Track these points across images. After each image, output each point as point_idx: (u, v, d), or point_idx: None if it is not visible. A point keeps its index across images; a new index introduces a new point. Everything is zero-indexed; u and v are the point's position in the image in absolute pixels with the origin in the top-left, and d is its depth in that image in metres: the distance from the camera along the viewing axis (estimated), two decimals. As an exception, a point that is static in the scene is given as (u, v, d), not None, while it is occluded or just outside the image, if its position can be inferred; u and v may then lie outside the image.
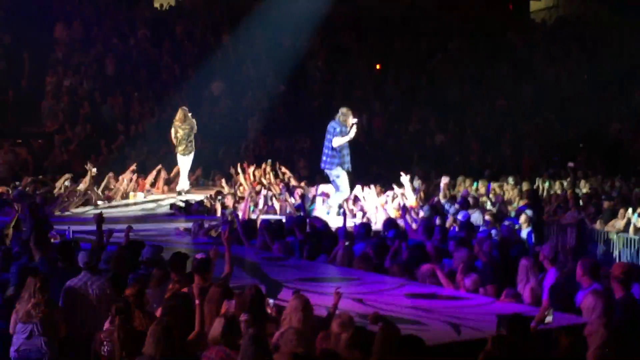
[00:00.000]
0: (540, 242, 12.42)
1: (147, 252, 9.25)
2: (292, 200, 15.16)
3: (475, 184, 17.94)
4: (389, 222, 12.55)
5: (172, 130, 17.49)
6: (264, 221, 12.54)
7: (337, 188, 14.70)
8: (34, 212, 11.03)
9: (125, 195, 16.95)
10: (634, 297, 7.29)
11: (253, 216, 13.66)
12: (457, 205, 14.23)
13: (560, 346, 6.50)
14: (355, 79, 25.86)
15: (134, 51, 25.08)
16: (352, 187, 15.06)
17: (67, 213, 14.94)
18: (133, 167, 17.66)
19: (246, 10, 27.74)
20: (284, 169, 17.85)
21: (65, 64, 23.68)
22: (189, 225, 13.43)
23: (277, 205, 15.15)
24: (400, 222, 12.76)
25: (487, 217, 13.09)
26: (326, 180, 15.97)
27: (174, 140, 17.48)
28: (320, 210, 14.63)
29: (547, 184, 18.10)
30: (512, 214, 14.30)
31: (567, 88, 26.77)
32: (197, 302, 7.23)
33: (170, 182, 18.12)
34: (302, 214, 14.17)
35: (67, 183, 16.17)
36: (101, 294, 8.17)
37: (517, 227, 12.94)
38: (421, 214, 13.79)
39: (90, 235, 11.93)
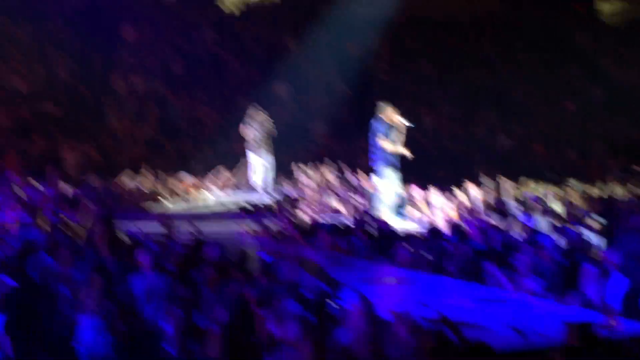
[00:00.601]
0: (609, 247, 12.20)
1: (213, 251, 9.33)
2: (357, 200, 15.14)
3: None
4: (452, 225, 12.48)
5: (248, 132, 17.87)
6: (327, 223, 12.58)
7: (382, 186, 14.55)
8: (103, 211, 11.23)
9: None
10: None
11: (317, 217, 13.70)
12: (523, 209, 14.08)
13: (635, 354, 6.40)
14: (420, 82, 25.74)
15: (200, 52, 25.32)
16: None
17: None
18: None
19: (311, 13, 27.86)
20: (344, 170, 17.74)
21: (133, 65, 24.02)
22: (256, 226, 13.54)
23: (341, 207, 15.14)
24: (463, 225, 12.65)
25: (553, 222, 12.90)
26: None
27: (251, 141, 17.84)
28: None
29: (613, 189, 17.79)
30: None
31: (637, 91, 26.27)
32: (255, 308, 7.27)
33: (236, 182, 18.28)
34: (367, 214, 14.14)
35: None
36: (166, 292, 8.27)
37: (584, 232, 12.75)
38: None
39: (158, 236, 12.14)
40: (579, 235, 12.30)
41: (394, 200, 14.53)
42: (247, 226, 13.86)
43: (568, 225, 13.08)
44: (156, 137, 21.58)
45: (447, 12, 29.40)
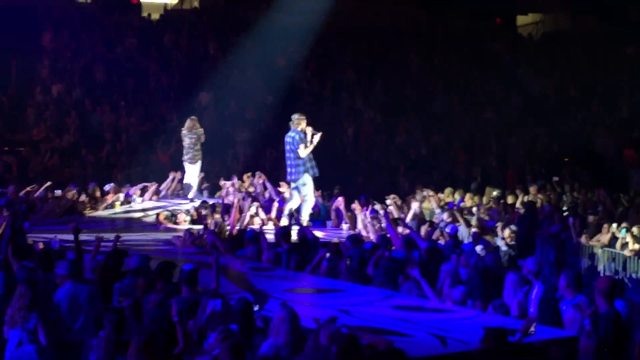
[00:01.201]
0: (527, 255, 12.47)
1: (134, 261, 9.24)
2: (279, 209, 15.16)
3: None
4: (375, 234, 12.61)
5: (185, 139, 17.81)
6: (251, 231, 12.55)
7: (300, 195, 14.66)
8: (13, 221, 11.05)
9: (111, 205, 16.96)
10: (618, 311, 7.35)
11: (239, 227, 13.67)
12: (445, 218, 14.28)
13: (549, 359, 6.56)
14: (343, 90, 25.93)
15: (122, 60, 25.09)
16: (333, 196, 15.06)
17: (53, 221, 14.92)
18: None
19: (234, 21, 27.88)
20: (263, 179, 17.71)
21: (53, 73, 23.66)
22: (179, 234, 13.45)
23: (263, 216, 15.13)
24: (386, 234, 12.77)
25: (473, 231, 13.13)
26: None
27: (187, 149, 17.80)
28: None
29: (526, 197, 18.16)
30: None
31: (554, 101, 26.94)
32: (175, 319, 7.22)
33: (159, 192, 18.13)
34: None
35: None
36: (90, 302, 8.17)
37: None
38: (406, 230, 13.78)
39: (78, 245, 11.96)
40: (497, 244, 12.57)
41: (310, 209, 14.63)
42: (171, 235, 13.78)
43: (487, 234, 13.35)
44: (77, 146, 21.26)
45: (370, 21, 29.72)
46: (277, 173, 21.01)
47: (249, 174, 18.15)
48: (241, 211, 14.45)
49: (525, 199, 17.45)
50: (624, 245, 13.94)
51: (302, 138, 14.32)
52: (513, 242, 12.99)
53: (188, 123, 17.84)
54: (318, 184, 15.66)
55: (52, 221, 14.88)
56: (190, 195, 17.66)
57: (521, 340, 7.19)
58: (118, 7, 27.55)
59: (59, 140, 21.31)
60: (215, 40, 26.73)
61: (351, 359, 6.13)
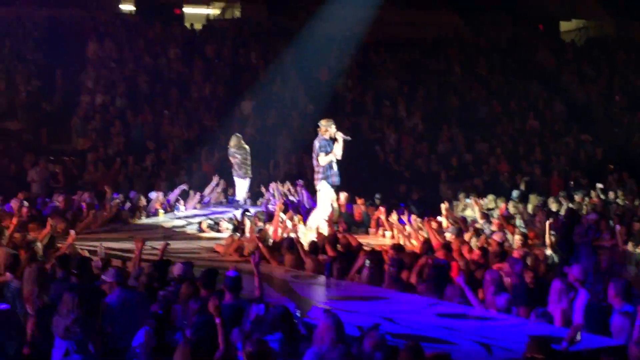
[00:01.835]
0: (573, 262, 12.33)
1: (178, 268, 9.30)
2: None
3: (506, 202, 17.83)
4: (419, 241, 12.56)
5: (230, 158, 18.51)
6: (292, 239, 12.58)
7: (316, 204, 14.67)
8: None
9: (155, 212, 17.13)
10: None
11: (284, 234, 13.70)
12: (491, 226, 14.18)
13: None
14: (385, 98, 25.89)
15: (165, 70, 25.33)
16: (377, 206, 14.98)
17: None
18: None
19: (276, 30, 28.03)
20: (303, 187, 17.75)
21: (97, 83, 23.94)
22: (221, 242, 13.54)
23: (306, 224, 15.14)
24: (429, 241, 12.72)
25: (517, 237, 13.02)
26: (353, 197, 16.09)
27: (235, 166, 18.46)
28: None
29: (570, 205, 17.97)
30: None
31: (598, 108, 26.66)
32: (217, 320, 7.23)
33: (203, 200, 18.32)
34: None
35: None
36: (142, 308, 8.23)
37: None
38: (448, 235, 13.73)
39: (121, 252, 12.10)
40: (543, 251, 12.44)
41: (319, 217, 14.52)
42: (213, 243, 13.86)
43: (533, 242, 13.23)
44: (121, 156, 21.47)
45: (413, 31, 29.73)
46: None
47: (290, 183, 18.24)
48: (285, 220, 14.48)
49: (569, 206, 17.27)
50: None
51: (324, 145, 14.24)
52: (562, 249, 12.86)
53: (234, 140, 18.43)
54: (360, 191, 15.66)
55: (97, 229, 15.05)
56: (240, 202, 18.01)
57: (567, 348, 7.11)
58: (161, 18, 27.86)
59: (104, 149, 21.53)
60: (257, 50, 26.89)
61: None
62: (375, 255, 11.30)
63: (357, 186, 18.14)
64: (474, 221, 15.43)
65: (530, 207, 17.83)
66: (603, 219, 15.50)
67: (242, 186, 18.44)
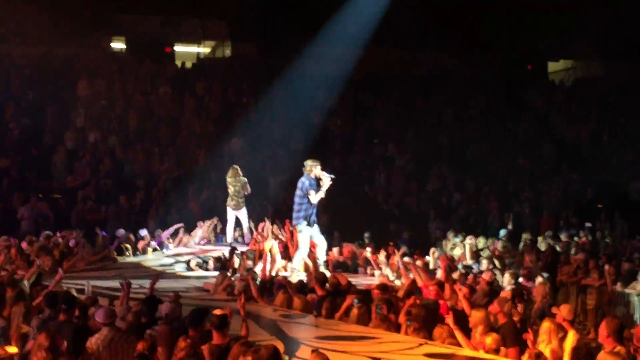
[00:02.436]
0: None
1: (166, 308, 9.24)
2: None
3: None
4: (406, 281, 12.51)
5: (229, 187, 18.41)
6: (282, 279, 12.54)
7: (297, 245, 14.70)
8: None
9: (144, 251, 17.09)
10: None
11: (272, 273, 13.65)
12: (482, 265, 14.16)
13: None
14: (374, 136, 25.98)
15: (155, 107, 25.38)
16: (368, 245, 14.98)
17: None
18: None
19: (265, 69, 28.17)
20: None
21: (88, 120, 23.96)
22: (210, 280, 13.47)
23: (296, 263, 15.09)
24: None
25: (507, 277, 12.99)
26: (345, 237, 16.06)
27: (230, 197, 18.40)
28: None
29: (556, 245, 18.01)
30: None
31: (587, 147, 26.78)
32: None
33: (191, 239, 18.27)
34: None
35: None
36: (127, 348, 8.16)
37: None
38: (439, 272, 13.72)
39: (109, 291, 12.02)
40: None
41: (299, 257, 14.52)
42: (202, 282, 13.79)
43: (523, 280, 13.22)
44: (111, 193, 21.42)
45: (403, 69, 29.93)
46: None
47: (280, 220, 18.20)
48: (274, 258, 14.43)
49: (558, 246, 17.29)
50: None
51: (312, 184, 14.33)
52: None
53: (231, 171, 18.44)
54: (349, 230, 15.66)
55: (85, 267, 14.98)
56: (228, 240, 18.01)
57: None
58: (152, 56, 28.00)
59: (93, 187, 21.48)
60: (247, 88, 27.00)
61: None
62: (364, 294, 11.27)
63: (346, 225, 18.15)
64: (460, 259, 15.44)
65: (521, 246, 17.84)
66: (591, 258, 15.52)
67: (232, 218, 18.38)
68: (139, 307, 9.54)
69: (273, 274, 13.72)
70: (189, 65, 29.03)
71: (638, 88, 28.33)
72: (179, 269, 15.68)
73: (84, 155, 22.63)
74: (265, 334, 9.49)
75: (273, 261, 14.19)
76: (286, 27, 30.08)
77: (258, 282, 12.87)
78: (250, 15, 31.08)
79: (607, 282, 14.38)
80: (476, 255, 15.69)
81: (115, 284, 12.02)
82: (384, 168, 24.42)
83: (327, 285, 11.92)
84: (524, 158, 25.90)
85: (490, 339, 8.86)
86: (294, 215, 14.60)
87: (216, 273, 14.37)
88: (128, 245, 16.93)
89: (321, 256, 14.72)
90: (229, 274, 14.02)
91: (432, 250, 16.09)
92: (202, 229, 18.50)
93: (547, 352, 8.81)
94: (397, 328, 10.01)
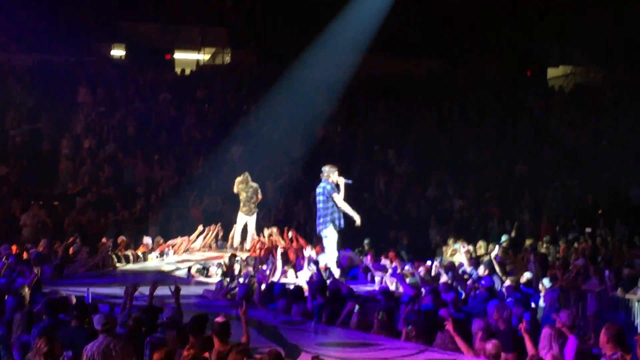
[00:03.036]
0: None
1: (167, 314, 9.24)
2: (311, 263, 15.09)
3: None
4: (408, 287, 12.52)
5: (235, 190, 18.66)
6: (282, 285, 12.55)
7: (323, 250, 14.73)
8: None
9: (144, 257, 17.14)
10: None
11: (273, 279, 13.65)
12: (480, 271, 14.16)
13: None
14: (374, 143, 25.98)
15: (155, 114, 25.41)
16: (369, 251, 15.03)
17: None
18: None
19: (265, 75, 28.20)
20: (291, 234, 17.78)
21: (87, 127, 23.99)
22: (210, 287, 13.48)
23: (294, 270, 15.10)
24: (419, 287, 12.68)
25: (507, 284, 13.00)
26: (346, 244, 16.09)
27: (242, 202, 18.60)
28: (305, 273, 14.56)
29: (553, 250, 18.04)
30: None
31: (587, 153, 26.78)
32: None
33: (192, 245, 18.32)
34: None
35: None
36: (126, 355, 8.16)
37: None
38: (444, 277, 13.73)
39: (109, 298, 12.02)
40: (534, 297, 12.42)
41: (328, 261, 14.61)
42: (202, 288, 13.79)
43: (522, 288, 13.21)
44: (111, 200, 21.44)
45: (402, 74, 29.96)
46: (309, 226, 21.05)
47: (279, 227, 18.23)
48: (273, 265, 14.44)
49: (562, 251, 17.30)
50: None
51: (334, 188, 14.43)
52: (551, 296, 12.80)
53: (241, 178, 18.71)
54: (350, 236, 15.67)
55: (85, 274, 14.98)
56: (235, 245, 18.27)
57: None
58: (152, 63, 28.06)
59: (93, 194, 21.50)
60: (247, 95, 27.02)
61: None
62: (365, 301, 11.28)
63: (345, 231, 18.11)
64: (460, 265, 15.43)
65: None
66: (591, 264, 15.51)
67: (242, 223, 18.58)
68: (139, 314, 9.53)
69: (275, 279, 13.72)
70: (188, 72, 29.06)
71: (637, 93, 28.37)
72: (180, 275, 15.67)
73: (83, 162, 22.64)
74: (266, 340, 9.50)
75: (274, 268, 14.19)
76: (285, 34, 30.17)
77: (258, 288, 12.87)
78: (250, 21, 31.18)
79: (607, 288, 14.36)
80: (475, 261, 15.67)
81: (116, 290, 12.04)
82: (383, 174, 24.42)
83: (327, 292, 11.94)
84: (524, 163, 25.90)
85: (490, 345, 8.87)
86: (320, 220, 14.60)
87: (217, 279, 14.38)
88: (129, 253, 16.95)
89: (331, 263, 14.73)
90: (229, 280, 14.04)
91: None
92: (204, 236, 18.52)
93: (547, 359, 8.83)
94: (397, 334, 10.02)
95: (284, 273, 14.22)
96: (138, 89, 26.40)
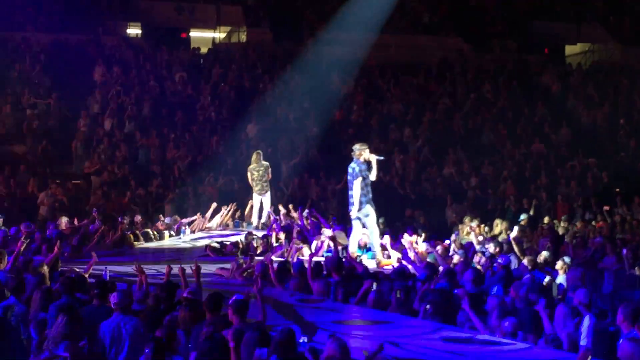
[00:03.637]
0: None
1: (186, 292, 9.26)
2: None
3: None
4: (424, 266, 12.51)
5: (248, 174, 18.87)
6: (298, 263, 12.56)
7: (365, 227, 14.59)
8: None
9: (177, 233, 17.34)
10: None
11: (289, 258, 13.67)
12: (494, 249, 14.11)
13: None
14: (390, 122, 25.91)
15: (171, 93, 25.43)
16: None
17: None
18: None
19: (281, 54, 28.14)
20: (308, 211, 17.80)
21: (104, 107, 24.03)
22: (227, 265, 13.51)
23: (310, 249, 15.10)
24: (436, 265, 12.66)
25: (525, 262, 12.95)
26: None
27: (251, 182, 18.81)
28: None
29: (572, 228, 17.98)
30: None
31: (604, 132, 26.64)
32: (231, 345, 7.24)
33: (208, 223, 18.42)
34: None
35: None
36: (134, 334, 8.20)
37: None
38: (456, 258, 13.70)
39: (127, 276, 12.09)
40: (549, 275, 12.37)
41: (377, 238, 14.54)
42: (218, 266, 13.83)
43: (539, 266, 13.16)
44: (127, 179, 21.52)
45: (418, 54, 29.83)
46: (324, 203, 21.08)
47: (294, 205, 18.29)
48: (289, 243, 14.46)
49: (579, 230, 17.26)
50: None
51: (363, 170, 14.27)
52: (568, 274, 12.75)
53: (254, 157, 18.86)
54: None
55: (103, 253, 15.04)
56: (253, 224, 18.34)
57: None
58: (168, 42, 28.01)
59: (110, 173, 21.58)
60: (263, 73, 26.98)
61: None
62: (381, 279, 11.28)
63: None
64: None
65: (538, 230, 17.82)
66: (609, 242, 15.46)
67: (258, 203, 18.70)
68: (157, 292, 9.57)
69: (287, 258, 13.73)
70: (204, 50, 29.02)
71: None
72: (196, 253, 15.73)
73: (100, 141, 22.71)
74: (282, 318, 9.52)
75: (291, 246, 14.21)
76: (301, 12, 30.08)
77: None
78: (266, 0, 31.09)
79: (624, 266, 14.31)
80: (486, 240, 15.59)
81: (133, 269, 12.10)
82: (399, 153, 24.36)
83: (343, 270, 11.94)
84: (540, 142, 25.78)
85: (507, 323, 8.86)
86: (351, 200, 14.44)
87: (233, 258, 14.42)
88: (149, 230, 17.05)
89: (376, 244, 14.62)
90: (245, 258, 14.07)
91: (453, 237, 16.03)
92: (220, 215, 18.59)
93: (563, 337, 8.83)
94: (414, 313, 10.02)
95: (298, 251, 14.21)
96: (153, 68, 26.40)
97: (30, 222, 15.72)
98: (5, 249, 12.22)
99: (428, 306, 9.81)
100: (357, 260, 13.36)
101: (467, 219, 18.61)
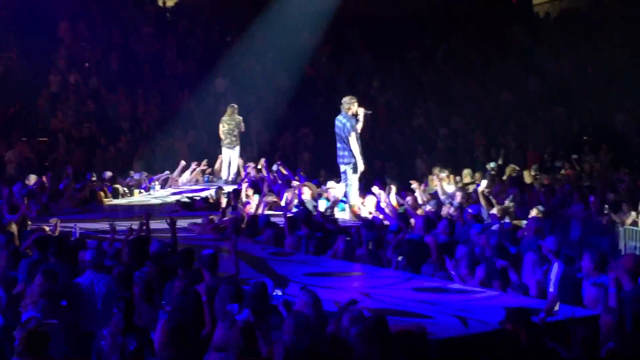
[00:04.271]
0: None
1: (155, 247, 9.25)
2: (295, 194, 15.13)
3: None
4: (393, 216, 12.58)
5: (220, 125, 18.80)
6: (267, 217, 12.60)
7: (345, 180, 14.61)
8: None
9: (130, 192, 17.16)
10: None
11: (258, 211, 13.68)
12: (457, 200, 14.19)
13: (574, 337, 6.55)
14: (359, 74, 25.83)
15: (138, 48, 25.13)
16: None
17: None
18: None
19: (249, 7, 27.83)
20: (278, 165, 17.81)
21: (70, 62, 23.72)
22: (197, 221, 13.49)
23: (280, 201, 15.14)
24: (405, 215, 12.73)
25: (493, 212, 13.05)
26: (331, 175, 16.05)
27: (221, 135, 18.74)
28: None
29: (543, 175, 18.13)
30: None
31: (572, 81, 26.71)
32: (204, 299, 7.26)
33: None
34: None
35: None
36: (107, 291, 8.20)
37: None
38: (428, 207, 13.78)
39: (97, 233, 12.05)
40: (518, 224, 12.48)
41: (356, 192, 14.53)
42: (189, 221, 13.81)
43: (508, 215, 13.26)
44: (95, 136, 21.34)
45: (387, 7, 29.60)
46: (294, 157, 21.07)
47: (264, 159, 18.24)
48: (259, 196, 14.47)
49: (548, 179, 17.39)
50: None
51: (353, 125, 14.20)
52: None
53: (228, 110, 18.90)
54: (335, 168, 15.64)
55: (71, 210, 14.96)
56: (223, 178, 18.35)
57: (544, 319, 7.17)
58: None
59: (77, 129, 21.38)
60: (231, 27, 26.72)
61: (376, 340, 6.07)
62: (351, 232, 11.35)
63: (332, 162, 18.12)
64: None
65: (505, 178, 17.91)
66: (576, 190, 15.58)
67: (227, 156, 18.67)
68: (127, 248, 9.55)
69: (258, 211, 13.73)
70: (170, 4, 28.65)
71: (623, 19, 28.20)
72: (166, 209, 15.67)
73: (66, 97, 22.45)
74: (254, 272, 9.55)
75: (260, 200, 14.23)
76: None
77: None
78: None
79: (592, 213, 14.45)
80: (453, 192, 15.65)
81: (103, 226, 12.06)
82: (368, 105, 24.26)
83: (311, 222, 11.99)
84: (509, 93, 25.83)
85: (477, 272, 8.97)
86: (346, 153, 14.32)
87: (203, 213, 14.40)
88: (118, 187, 16.97)
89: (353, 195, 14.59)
90: (216, 214, 14.07)
91: (415, 185, 16.02)
92: (190, 171, 18.51)
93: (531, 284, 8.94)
94: (385, 263, 10.09)
95: (267, 205, 14.22)
96: (120, 23, 26.05)
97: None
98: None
99: (400, 257, 9.89)
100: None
101: (436, 170, 18.65)
